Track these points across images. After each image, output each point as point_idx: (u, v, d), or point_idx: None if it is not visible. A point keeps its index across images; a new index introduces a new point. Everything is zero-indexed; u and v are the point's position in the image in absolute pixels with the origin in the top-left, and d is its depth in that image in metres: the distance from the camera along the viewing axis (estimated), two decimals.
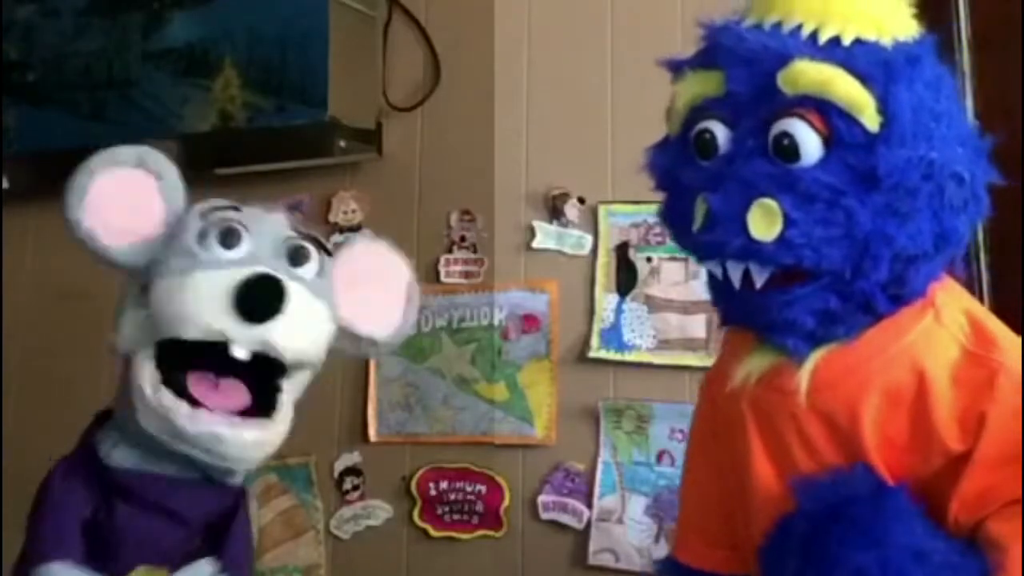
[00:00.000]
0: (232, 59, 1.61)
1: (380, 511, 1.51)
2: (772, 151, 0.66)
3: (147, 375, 0.90)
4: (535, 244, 1.50)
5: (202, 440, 0.89)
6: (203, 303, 0.88)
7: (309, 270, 0.96)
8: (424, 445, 1.50)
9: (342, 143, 1.57)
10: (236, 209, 0.97)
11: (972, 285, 1.28)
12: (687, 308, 1.42)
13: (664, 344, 1.43)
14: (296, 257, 0.95)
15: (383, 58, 1.61)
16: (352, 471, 1.52)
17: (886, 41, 0.68)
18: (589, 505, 1.42)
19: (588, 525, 1.42)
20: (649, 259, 1.45)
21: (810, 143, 0.65)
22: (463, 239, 1.54)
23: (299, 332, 0.92)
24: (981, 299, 1.27)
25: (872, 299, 0.68)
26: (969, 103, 1.30)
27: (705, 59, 0.72)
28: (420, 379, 1.52)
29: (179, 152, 1.67)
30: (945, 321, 0.72)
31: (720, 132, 0.69)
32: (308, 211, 1.62)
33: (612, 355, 1.44)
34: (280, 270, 0.92)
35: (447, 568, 1.47)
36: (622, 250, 1.47)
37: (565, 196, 1.50)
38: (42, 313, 1.71)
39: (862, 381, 0.70)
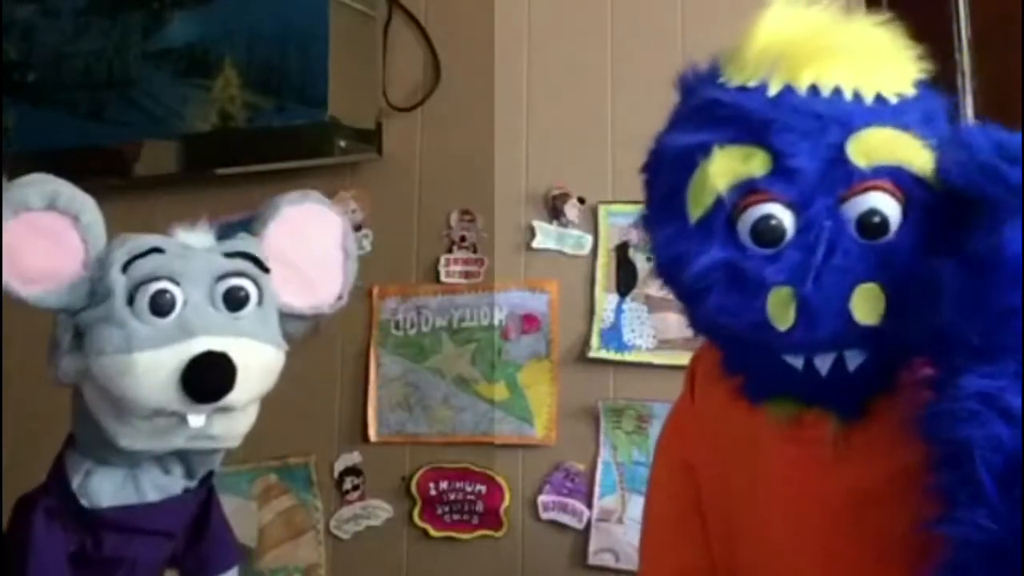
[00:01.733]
0: (232, 59, 1.61)
1: (380, 511, 1.51)
2: (858, 230, 0.62)
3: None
4: (535, 244, 1.50)
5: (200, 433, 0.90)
6: (150, 388, 0.86)
7: (249, 309, 0.94)
8: (424, 445, 1.51)
9: (342, 143, 1.57)
10: (159, 251, 0.92)
11: None
12: None
13: (664, 344, 1.43)
14: (234, 303, 0.92)
15: (383, 58, 1.61)
16: (352, 471, 1.52)
17: (911, 93, 0.66)
18: (589, 505, 1.42)
19: (588, 525, 1.42)
20: (649, 259, 1.45)
21: (895, 215, 0.62)
22: (463, 239, 1.54)
23: (253, 391, 0.92)
24: None
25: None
26: (969, 103, 1.31)
27: (741, 134, 0.64)
28: (420, 379, 1.52)
29: (179, 152, 1.68)
30: None
31: (785, 216, 0.62)
32: None
33: (612, 355, 1.44)
34: (221, 327, 0.90)
35: (447, 568, 1.47)
36: (622, 250, 1.47)
37: (565, 196, 1.50)
38: (42, 313, 1.71)
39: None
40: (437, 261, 1.54)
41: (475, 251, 1.53)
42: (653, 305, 1.44)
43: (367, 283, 1.56)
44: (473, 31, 1.59)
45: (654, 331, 1.43)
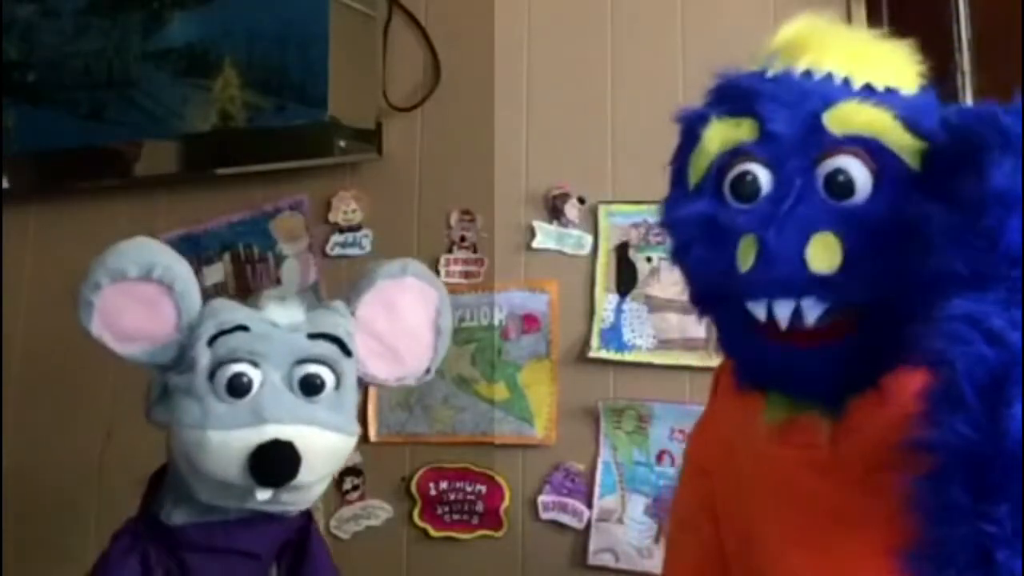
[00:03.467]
0: (232, 59, 1.61)
1: (380, 511, 1.51)
2: (825, 188, 0.67)
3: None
4: (535, 244, 1.50)
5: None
6: (218, 465, 0.91)
7: (325, 394, 0.96)
8: (424, 445, 1.51)
9: (342, 143, 1.57)
10: (245, 328, 0.95)
11: None
12: (687, 308, 1.41)
13: (664, 344, 1.43)
14: (309, 388, 0.95)
15: (383, 58, 1.61)
16: (352, 471, 1.52)
17: (907, 91, 0.71)
18: (589, 505, 1.42)
19: (588, 525, 1.42)
20: (649, 259, 1.46)
21: (863, 179, 0.66)
22: (463, 239, 1.54)
23: (318, 474, 0.96)
24: None
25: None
26: (969, 103, 1.30)
27: (735, 107, 0.71)
28: None
29: (179, 152, 1.68)
30: None
31: (761, 174, 0.69)
32: (308, 211, 1.62)
33: (612, 355, 1.44)
34: (292, 414, 0.93)
35: (447, 568, 1.47)
36: (622, 250, 1.47)
37: (565, 196, 1.50)
38: (42, 313, 1.71)
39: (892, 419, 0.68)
40: (437, 261, 1.54)
41: (475, 251, 1.53)
42: (653, 305, 1.44)
43: None
44: (473, 31, 1.59)
45: (654, 331, 1.44)
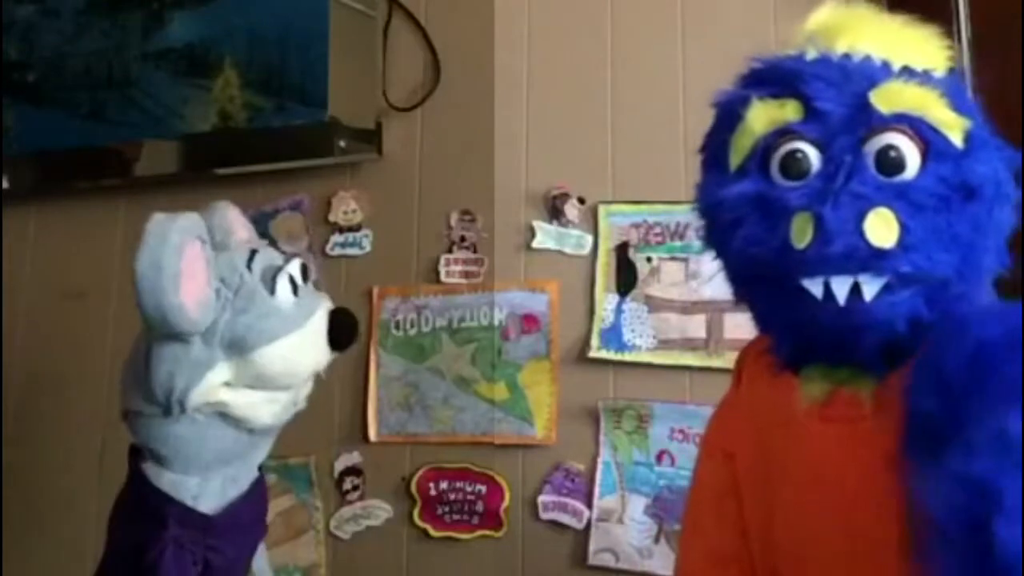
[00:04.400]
0: (232, 59, 1.61)
1: (380, 511, 1.51)
2: (876, 165, 0.67)
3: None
4: (535, 244, 1.50)
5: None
6: (312, 354, 1.05)
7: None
8: (424, 445, 1.51)
9: (342, 143, 1.57)
10: (256, 251, 1.05)
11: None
12: (687, 308, 1.42)
13: (664, 344, 1.43)
14: (306, 273, 1.07)
15: (383, 58, 1.61)
16: (352, 471, 1.52)
17: (940, 73, 0.73)
18: (589, 505, 1.42)
19: (588, 525, 1.42)
20: (649, 259, 1.45)
21: (912, 156, 0.67)
22: (463, 239, 1.54)
23: None
24: None
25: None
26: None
27: (778, 88, 0.72)
28: (420, 379, 1.52)
29: (179, 152, 1.68)
30: None
31: (811, 152, 0.69)
32: (308, 211, 1.62)
33: (612, 355, 1.44)
34: (313, 292, 1.09)
35: (447, 568, 1.47)
36: (622, 250, 1.47)
37: (565, 196, 1.50)
38: (42, 313, 1.71)
39: None
40: (437, 261, 1.54)
41: (475, 251, 1.53)
42: (653, 305, 1.44)
43: (367, 283, 1.57)
44: (473, 31, 1.59)
45: (654, 331, 1.43)
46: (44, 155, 1.76)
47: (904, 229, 0.65)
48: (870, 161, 0.68)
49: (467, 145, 1.56)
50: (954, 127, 0.69)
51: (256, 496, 1.10)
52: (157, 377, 0.97)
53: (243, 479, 1.07)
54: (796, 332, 0.74)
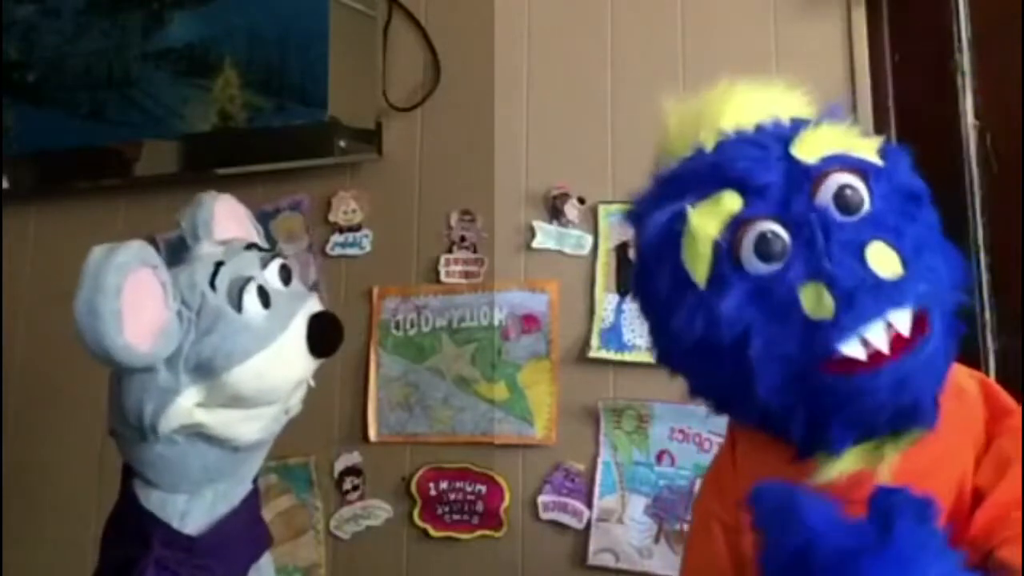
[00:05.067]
0: (232, 59, 1.61)
1: (380, 511, 1.51)
2: (838, 210, 0.66)
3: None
4: (535, 244, 1.50)
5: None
6: (292, 366, 0.98)
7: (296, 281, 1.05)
8: (424, 445, 1.50)
9: (342, 143, 1.57)
10: (221, 264, 0.97)
11: (972, 287, 1.28)
12: None
13: None
14: (287, 275, 1.02)
15: (383, 58, 1.61)
16: (352, 471, 1.52)
17: (812, 115, 0.75)
18: (589, 505, 1.42)
19: (588, 525, 1.42)
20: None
21: (862, 188, 0.67)
22: (463, 239, 1.54)
23: None
24: (981, 300, 1.27)
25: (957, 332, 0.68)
26: (969, 103, 1.30)
27: (704, 188, 0.69)
28: (420, 379, 1.52)
29: (179, 152, 1.69)
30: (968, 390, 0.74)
31: (777, 228, 0.67)
32: (308, 211, 1.62)
33: (612, 355, 1.44)
34: (304, 294, 1.03)
35: (447, 568, 1.47)
36: (622, 250, 1.47)
37: (565, 196, 1.50)
38: (42, 313, 1.71)
39: (947, 476, 0.68)
40: (437, 261, 1.54)
41: (475, 251, 1.53)
42: None
43: (367, 283, 1.57)
44: (473, 31, 1.59)
45: None
46: (44, 155, 1.76)
47: (899, 253, 0.65)
48: (832, 209, 0.67)
49: (467, 145, 1.56)
50: (870, 149, 0.69)
51: (248, 509, 1.05)
52: (128, 404, 0.93)
53: (234, 494, 1.03)
54: (820, 417, 0.67)
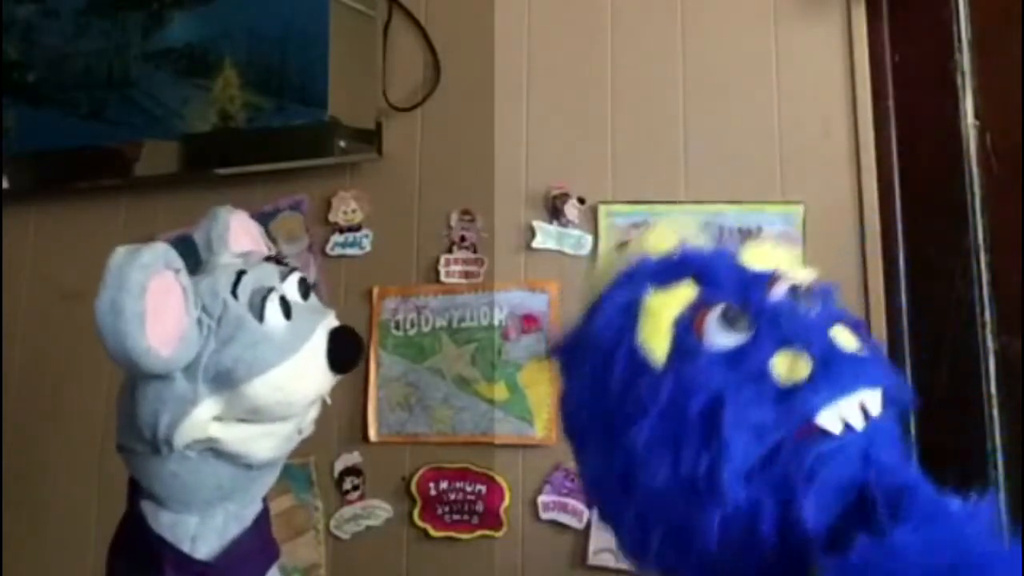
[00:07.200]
0: (232, 59, 1.61)
1: (380, 511, 1.51)
2: (795, 301, 0.68)
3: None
4: (535, 244, 1.50)
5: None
6: (312, 380, 0.97)
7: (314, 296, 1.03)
8: (424, 445, 1.50)
9: (342, 143, 1.58)
10: (243, 272, 0.95)
11: (972, 285, 1.28)
12: None
13: None
14: (306, 289, 1.01)
15: (383, 58, 1.61)
16: (352, 471, 1.52)
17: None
18: (589, 505, 1.42)
19: (588, 525, 1.42)
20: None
21: (815, 291, 0.69)
22: (463, 239, 1.54)
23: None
24: (981, 298, 1.27)
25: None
26: (969, 103, 1.30)
27: (663, 279, 0.70)
28: (420, 379, 1.52)
29: (179, 152, 1.69)
30: None
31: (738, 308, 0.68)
32: (308, 211, 1.62)
33: None
34: (311, 310, 1.00)
35: (447, 568, 1.47)
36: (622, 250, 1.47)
37: (565, 196, 1.50)
38: (42, 313, 1.71)
39: None
40: (437, 261, 1.54)
41: (475, 251, 1.53)
42: None
43: (367, 283, 1.57)
44: (473, 31, 1.59)
45: None
46: (44, 155, 1.76)
47: (857, 334, 0.67)
48: (787, 300, 0.67)
49: (467, 145, 1.56)
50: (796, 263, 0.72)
51: (259, 529, 1.03)
52: (142, 415, 0.90)
53: (245, 515, 1.01)
54: (791, 498, 0.62)
